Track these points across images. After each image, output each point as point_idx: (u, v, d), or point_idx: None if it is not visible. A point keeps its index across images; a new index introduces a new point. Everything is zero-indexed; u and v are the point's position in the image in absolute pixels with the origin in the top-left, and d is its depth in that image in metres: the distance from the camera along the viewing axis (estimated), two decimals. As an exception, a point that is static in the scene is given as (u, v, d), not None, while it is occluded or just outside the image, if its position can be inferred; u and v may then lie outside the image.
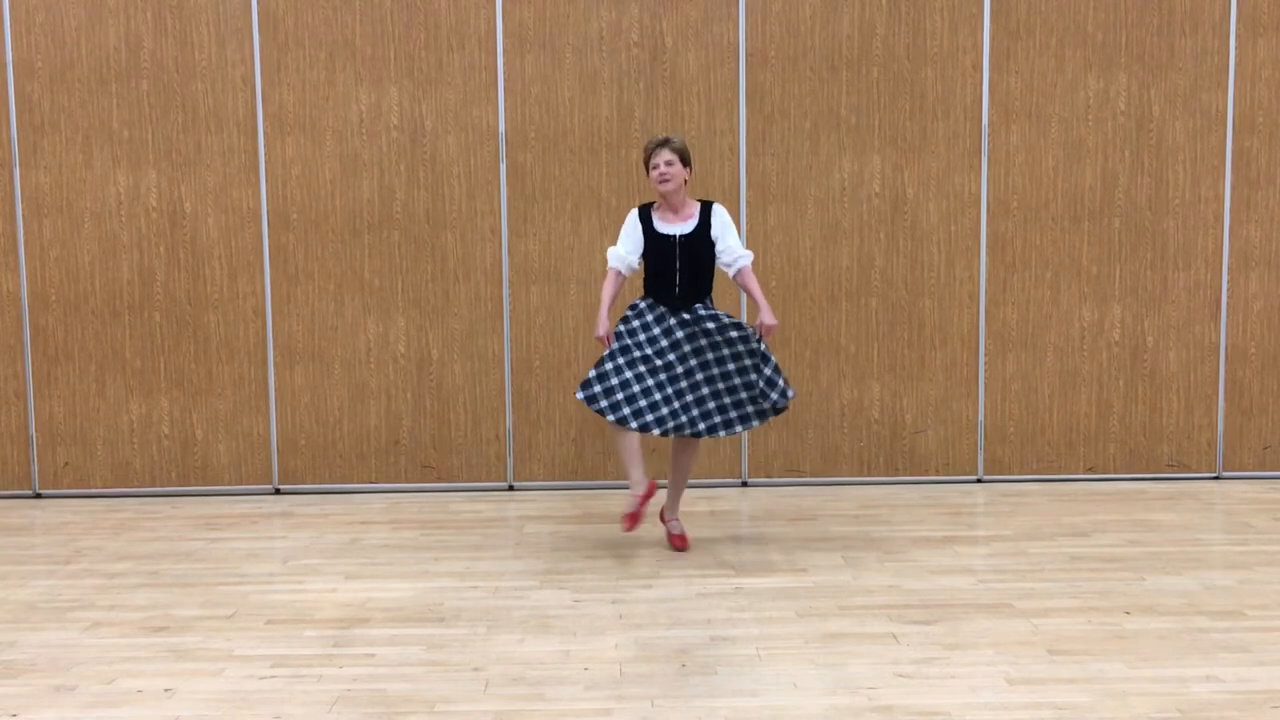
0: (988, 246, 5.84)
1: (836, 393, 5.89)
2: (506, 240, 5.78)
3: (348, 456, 5.87)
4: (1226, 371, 5.93)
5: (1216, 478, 5.97)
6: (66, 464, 5.85)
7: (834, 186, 5.80)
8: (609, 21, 5.71)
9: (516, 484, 5.91)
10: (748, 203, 5.78)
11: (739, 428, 4.54)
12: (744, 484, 5.93)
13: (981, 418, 5.91)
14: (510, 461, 5.89)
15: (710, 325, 4.45)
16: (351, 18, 5.69)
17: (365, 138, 5.73)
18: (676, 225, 4.52)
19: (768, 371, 4.44)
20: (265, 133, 5.71)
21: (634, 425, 4.38)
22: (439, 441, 5.87)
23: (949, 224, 5.83)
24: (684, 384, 4.46)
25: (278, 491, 5.88)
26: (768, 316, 4.45)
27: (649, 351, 4.45)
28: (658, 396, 4.42)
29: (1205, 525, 5.07)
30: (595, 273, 5.72)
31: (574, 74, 5.72)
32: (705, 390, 4.48)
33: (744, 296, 5.57)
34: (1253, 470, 5.98)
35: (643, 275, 4.61)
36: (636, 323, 4.51)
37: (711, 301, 4.57)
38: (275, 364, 5.82)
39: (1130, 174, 5.82)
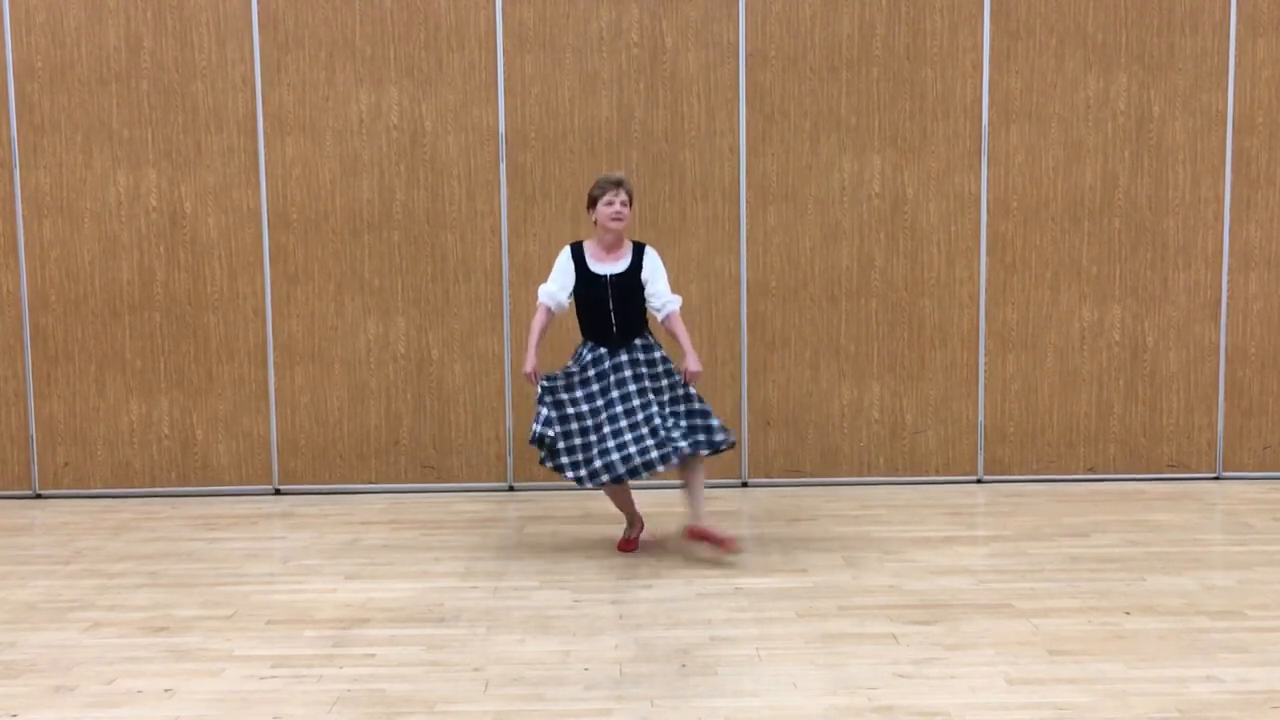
0: (988, 246, 5.84)
1: (836, 393, 5.89)
2: (506, 240, 5.78)
3: (348, 457, 5.87)
4: (1226, 371, 5.93)
5: (1216, 478, 5.97)
6: (66, 464, 5.85)
7: (834, 186, 5.80)
8: (609, 21, 5.71)
9: (516, 484, 5.91)
10: (748, 203, 5.78)
11: (675, 460, 4.35)
12: (744, 484, 5.93)
13: (981, 418, 5.91)
14: (510, 461, 5.89)
15: (644, 370, 4.45)
16: (351, 18, 5.69)
17: (365, 138, 5.73)
18: (609, 265, 4.51)
19: (699, 423, 4.43)
20: (265, 133, 5.71)
21: (582, 478, 4.37)
22: (439, 441, 5.87)
23: (949, 224, 5.82)
24: (623, 423, 4.37)
25: (278, 492, 5.88)
26: (692, 363, 4.46)
27: (583, 408, 4.43)
28: (595, 453, 4.37)
29: (1205, 525, 5.07)
30: (595, 273, 5.72)
31: (574, 74, 5.72)
32: (645, 429, 4.35)
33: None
34: (1253, 470, 5.98)
35: (577, 318, 4.58)
36: (577, 377, 4.48)
37: (650, 334, 4.57)
38: (275, 364, 5.82)
39: (1130, 174, 5.82)
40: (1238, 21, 5.76)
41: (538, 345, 4.56)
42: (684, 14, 5.71)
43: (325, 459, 5.86)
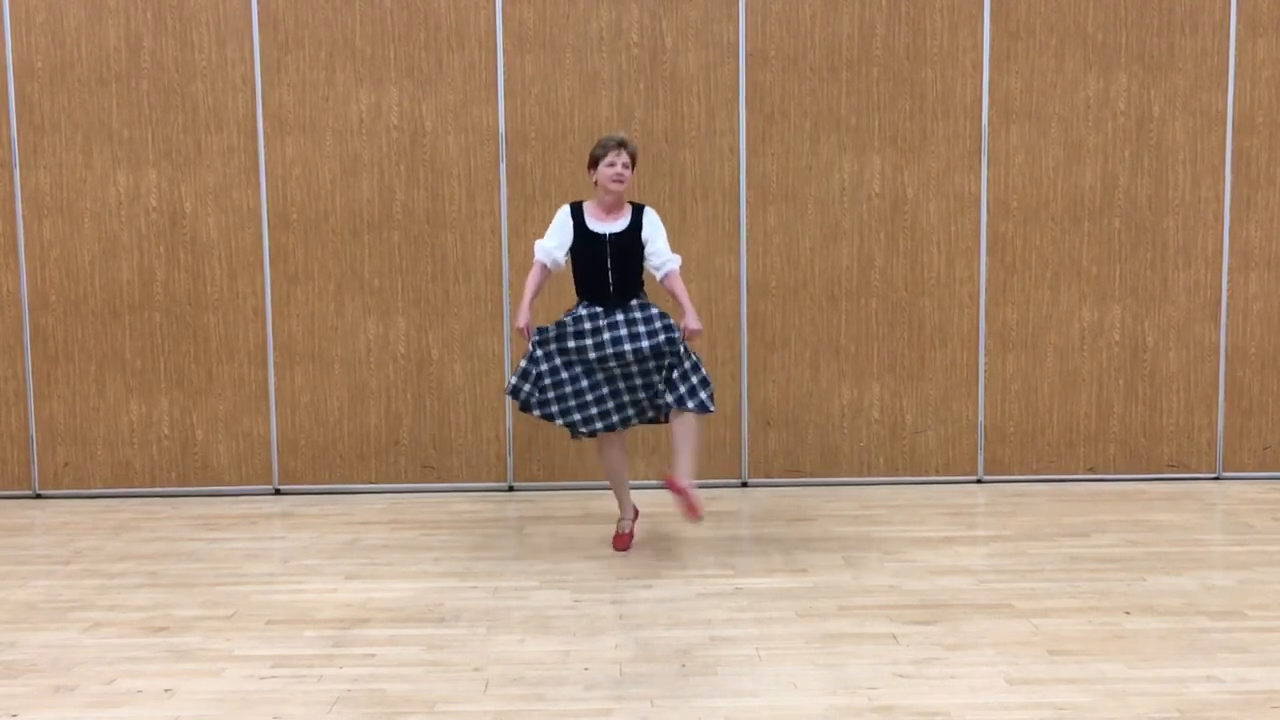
0: (988, 246, 5.84)
1: (836, 393, 5.89)
2: (506, 240, 5.78)
3: (348, 457, 5.87)
4: (1226, 371, 5.93)
5: (1216, 478, 5.97)
6: (66, 464, 5.85)
7: (834, 186, 5.80)
8: (609, 21, 5.71)
9: (516, 484, 5.91)
10: (748, 203, 5.78)
11: (663, 407, 4.50)
12: (744, 484, 5.93)
13: (981, 418, 5.91)
14: (510, 461, 5.89)
15: (642, 329, 4.43)
16: (351, 18, 5.69)
17: (365, 138, 5.73)
18: (608, 224, 4.51)
19: (694, 380, 4.42)
20: (265, 133, 5.71)
21: (572, 423, 4.49)
22: (439, 441, 5.87)
23: (949, 224, 5.83)
24: (622, 386, 4.51)
25: (278, 492, 5.88)
26: (692, 321, 4.46)
27: (573, 357, 4.47)
28: (589, 398, 4.49)
29: (1205, 525, 5.07)
30: (595, 273, 5.71)
31: (574, 74, 5.72)
32: (638, 392, 4.52)
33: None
34: (1253, 470, 5.98)
35: (574, 277, 4.57)
36: (570, 329, 4.48)
37: (645, 294, 4.56)
38: (275, 364, 5.82)
39: (1130, 174, 5.82)
40: (1238, 21, 5.76)
41: (532, 301, 4.55)
42: (684, 14, 5.71)
43: (325, 459, 5.86)
